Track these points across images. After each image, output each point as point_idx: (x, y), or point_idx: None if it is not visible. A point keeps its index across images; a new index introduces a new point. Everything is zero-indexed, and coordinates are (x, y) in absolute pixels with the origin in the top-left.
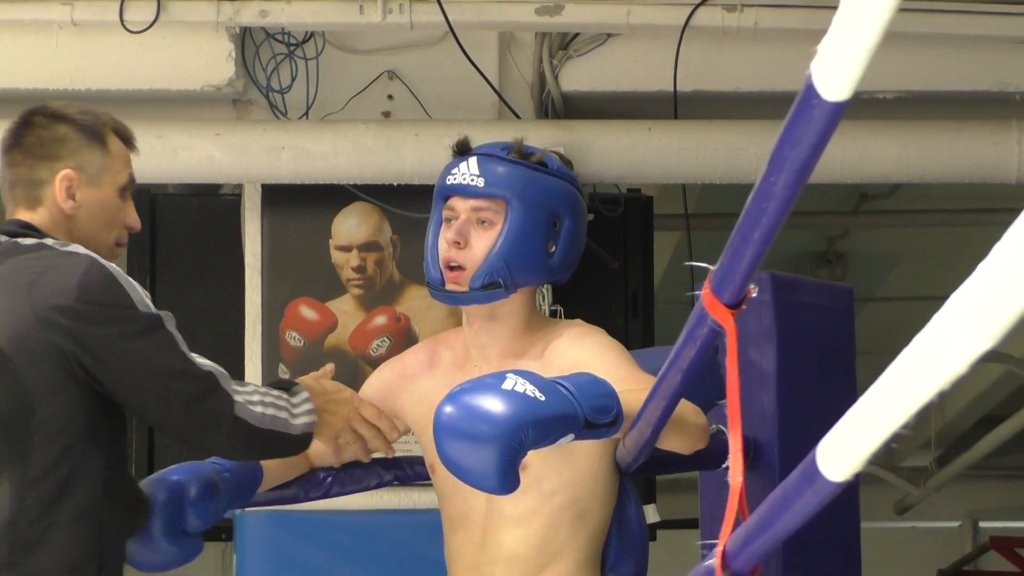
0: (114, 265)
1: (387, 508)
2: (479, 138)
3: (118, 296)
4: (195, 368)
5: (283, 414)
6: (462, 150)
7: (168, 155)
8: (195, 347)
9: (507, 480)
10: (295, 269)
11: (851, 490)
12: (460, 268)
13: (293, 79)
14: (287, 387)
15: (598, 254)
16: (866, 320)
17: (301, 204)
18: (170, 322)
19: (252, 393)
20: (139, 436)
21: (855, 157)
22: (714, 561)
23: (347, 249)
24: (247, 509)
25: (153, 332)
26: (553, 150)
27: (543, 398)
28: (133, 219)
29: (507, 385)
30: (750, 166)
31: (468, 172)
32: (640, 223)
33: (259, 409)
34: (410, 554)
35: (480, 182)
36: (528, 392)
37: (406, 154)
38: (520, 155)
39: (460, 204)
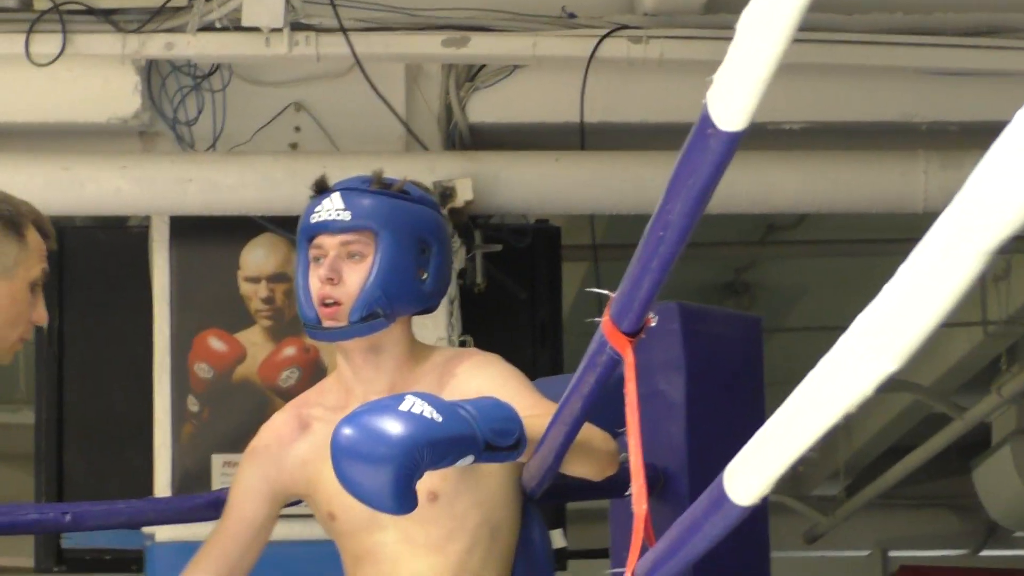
0: None
1: (301, 539)
2: (389, 169)
3: None
4: None
5: None
6: (321, 188)
7: (75, 187)
8: (104, 380)
9: (403, 500)
10: (204, 301)
11: (760, 518)
12: (336, 304)
13: (200, 111)
14: None
15: (506, 284)
16: (773, 350)
17: (209, 236)
18: None
19: None
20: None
21: (761, 188)
22: None
23: (256, 280)
24: (157, 540)
25: None
26: (445, 182)
27: (440, 419)
28: (40, 314)
29: (404, 406)
30: (657, 197)
31: (333, 207)
32: (548, 254)
33: None
34: None
35: (347, 215)
36: (425, 413)
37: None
38: (381, 185)
39: (328, 241)
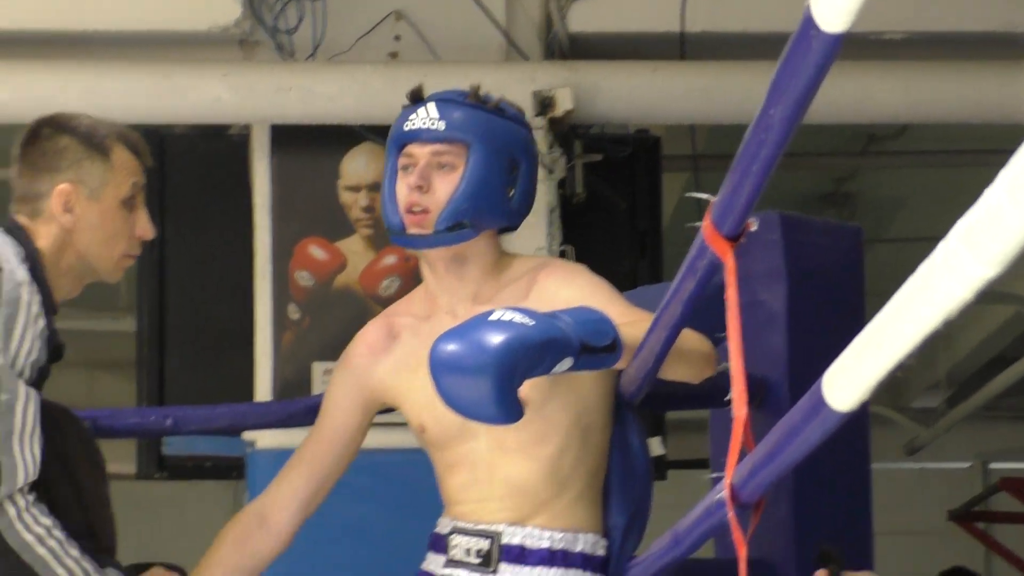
0: (21, 300)
1: (398, 447)
2: (488, 79)
3: None
4: None
5: (61, 569)
6: (417, 97)
7: (176, 96)
8: (206, 287)
9: (506, 409)
10: (304, 209)
11: (860, 428)
12: (424, 212)
13: (300, 20)
14: (120, 572)
15: (606, 194)
16: (873, 261)
17: (310, 144)
18: (13, 395)
19: (36, 522)
20: None
21: (863, 98)
22: (724, 493)
23: (356, 189)
24: (258, 447)
25: None
26: (545, 91)
27: (532, 323)
28: (144, 228)
29: (495, 316)
30: (757, 107)
31: (428, 117)
32: (648, 163)
33: (29, 537)
34: (419, 491)
35: (441, 125)
36: (516, 320)
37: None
38: (478, 100)
39: (419, 150)
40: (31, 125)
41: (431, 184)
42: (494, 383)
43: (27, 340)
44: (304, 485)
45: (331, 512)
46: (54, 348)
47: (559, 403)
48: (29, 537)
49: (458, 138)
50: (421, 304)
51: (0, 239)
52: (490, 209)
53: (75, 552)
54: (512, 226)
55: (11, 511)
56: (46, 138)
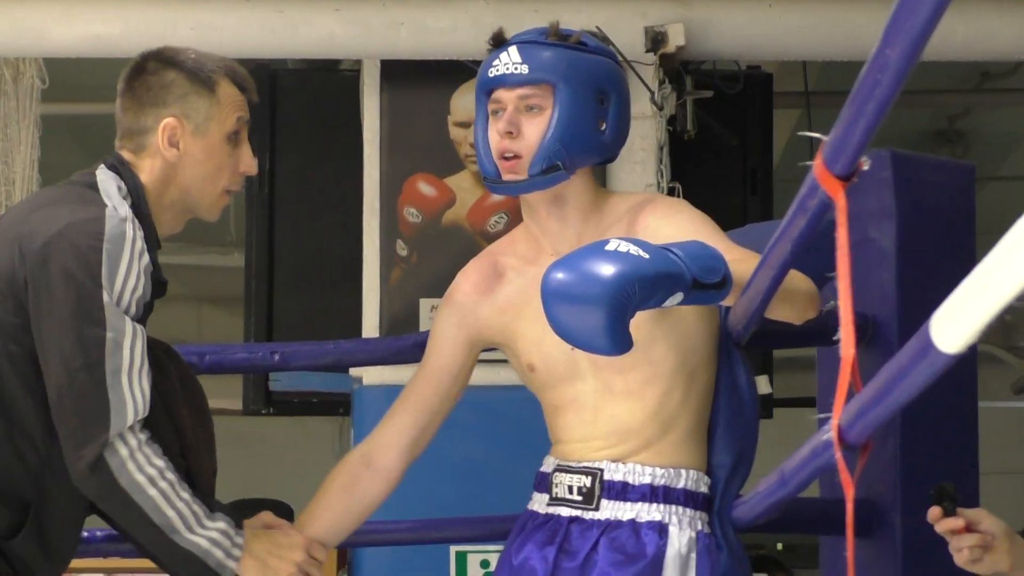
0: (126, 235)
1: (504, 384)
2: (599, 15)
3: (88, 267)
4: (95, 391)
5: (172, 512)
6: (499, 41)
7: (288, 30)
8: (314, 223)
9: (617, 339)
10: (414, 145)
11: (968, 367)
12: (516, 157)
13: None
14: (228, 516)
15: (717, 131)
16: (986, 199)
17: (420, 80)
18: (119, 332)
19: (147, 463)
20: None
21: (977, 34)
22: (831, 434)
23: (466, 125)
24: (365, 383)
25: (86, 325)
26: (656, 27)
27: (647, 256)
28: (247, 164)
29: (611, 247)
30: (870, 43)
31: (510, 61)
32: (759, 100)
33: (141, 478)
34: (526, 428)
35: (524, 69)
36: (632, 251)
37: (525, 28)
38: (558, 38)
39: (506, 95)
40: (136, 59)
41: (520, 129)
42: (607, 314)
43: (132, 276)
44: (411, 425)
45: (437, 450)
46: (158, 284)
47: (665, 345)
48: (141, 478)
49: (542, 79)
50: (525, 245)
51: (103, 175)
52: (582, 147)
53: (186, 495)
54: (609, 159)
55: (123, 451)
56: (152, 72)
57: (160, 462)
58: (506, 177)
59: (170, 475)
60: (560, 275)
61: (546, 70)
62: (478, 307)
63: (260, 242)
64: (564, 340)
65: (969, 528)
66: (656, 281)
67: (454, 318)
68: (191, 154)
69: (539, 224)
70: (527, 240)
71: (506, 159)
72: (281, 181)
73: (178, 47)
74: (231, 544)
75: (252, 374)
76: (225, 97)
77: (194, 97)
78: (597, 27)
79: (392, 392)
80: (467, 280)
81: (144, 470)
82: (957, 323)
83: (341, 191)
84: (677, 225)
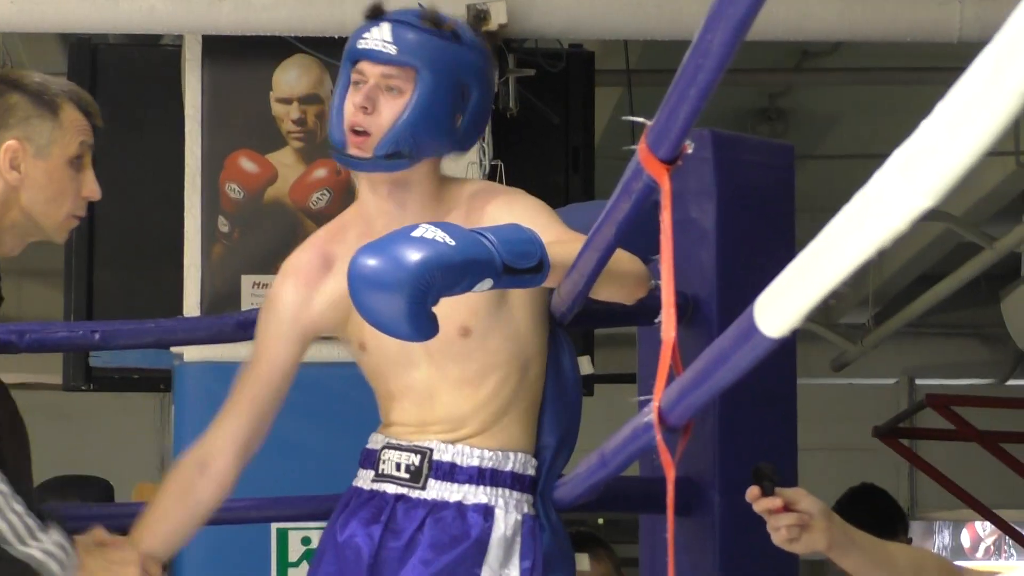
0: None
1: (328, 361)
2: None
3: None
4: None
5: (3, 524)
6: (375, 14)
7: (109, 4)
8: (135, 199)
9: (419, 325)
10: (235, 121)
11: (787, 346)
12: (365, 134)
13: None
14: (62, 531)
15: (539, 109)
16: (806, 177)
17: (242, 56)
18: None
19: None
20: None
21: (797, 14)
22: (651, 416)
23: (287, 102)
24: (185, 359)
25: None
26: (479, 5)
27: (452, 242)
28: (91, 190)
29: (416, 233)
30: (693, 23)
31: (380, 38)
32: (581, 79)
33: None
34: (350, 405)
35: (392, 49)
36: (436, 238)
37: (347, 7)
38: (433, 23)
39: (370, 69)
40: None
41: (376, 106)
42: (408, 300)
43: None
44: (243, 427)
45: None
46: None
47: (499, 336)
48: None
49: (407, 62)
50: (356, 230)
51: None
52: (433, 137)
53: (19, 507)
54: (461, 150)
55: None
56: None
57: (6, 496)
58: (351, 151)
59: (3, 487)
60: (364, 260)
61: (412, 54)
62: (308, 302)
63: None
64: (370, 324)
65: (787, 508)
66: (463, 267)
67: (284, 315)
68: (32, 177)
69: (377, 204)
70: (359, 224)
71: (356, 133)
72: (102, 155)
73: (22, 70)
74: (66, 556)
75: (72, 352)
76: (68, 121)
77: (37, 120)
78: (420, 4)
79: (214, 369)
80: (293, 275)
81: None
82: (781, 308)
83: (163, 167)
84: (517, 214)
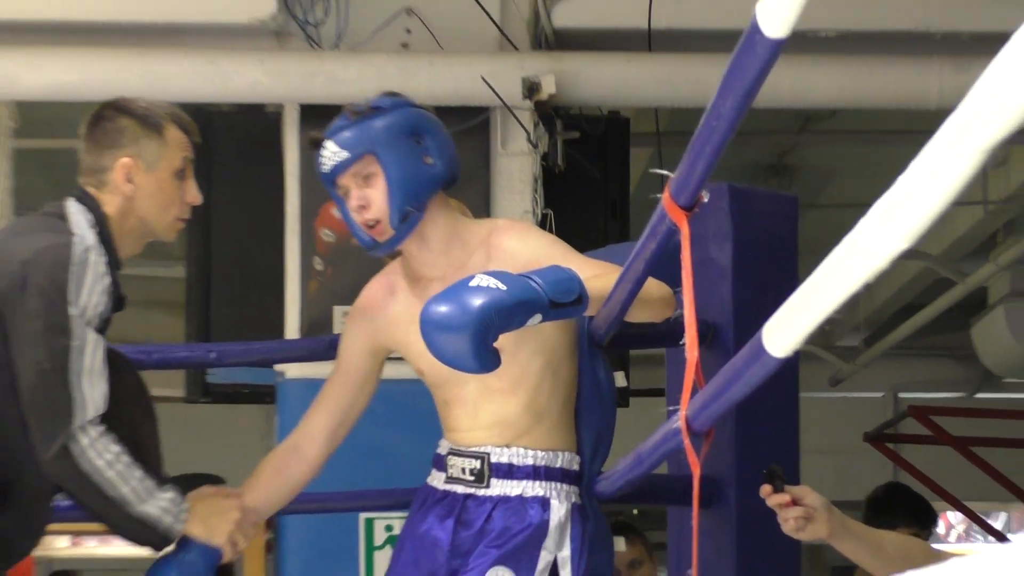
0: (88, 260)
1: (404, 378)
2: (484, 67)
3: (57, 286)
4: (61, 390)
5: (126, 488)
6: (316, 142)
7: (221, 79)
8: (244, 243)
9: (483, 360)
10: None
11: (791, 365)
12: (377, 222)
13: (326, 15)
14: (175, 488)
15: (583, 166)
16: (809, 224)
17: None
18: (83, 341)
19: (105, 450)
20: None
21: (801, 85)
22: (679, 423)
23: None
24: (287, 376)
25: (55, 334)
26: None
27: (505, 287)
28: (193, 196)
29: (474, 283)
30: (712, 93)
31: (331, 153)
32: (618, 140)
33: (100, 463)
34: (423, 414)
35: (344, 154)
36: (491, 285)
37: (421, 79)
38: (356, 115)
39: (343, 179)
40: (96, 108)
41: (368, 200)
42: (472, 340)
43: (95, 295)
44: (328, 421)
45: (354, 434)
46: (118, 299)
47: (529, 350)
48: (100, 462)
49: (361, 153)
50: (404, 268)
51: (73, 206)
52: (421, 186)
53: (138, 473)
54: (451, 182)
55: (84, 440)
56: (108, 119)
57: (116, 448)
58: (379, 240)
59: (124, 458)
60: (435, 308)
61: (361, 145)
62: (376, 321)
63: (199, 257)
64: (441, 362)
65: (794, 502)
66: (514, 308)
67: (358, 330)
68: (144, 188)
69: (416, 260)
70: (406, 265)
71: (370, 227)
72: (216, 206)
73: (131, 97)
74: (178, 510)
75: (192, 369)
76: (172, 139)
77: (145, 140)
78: (343, 105)
79: (311, 385)
80: (366, 298)
81: (103, 456)
82: (784, 332)
83: (267, 214)
84: (533, 247)
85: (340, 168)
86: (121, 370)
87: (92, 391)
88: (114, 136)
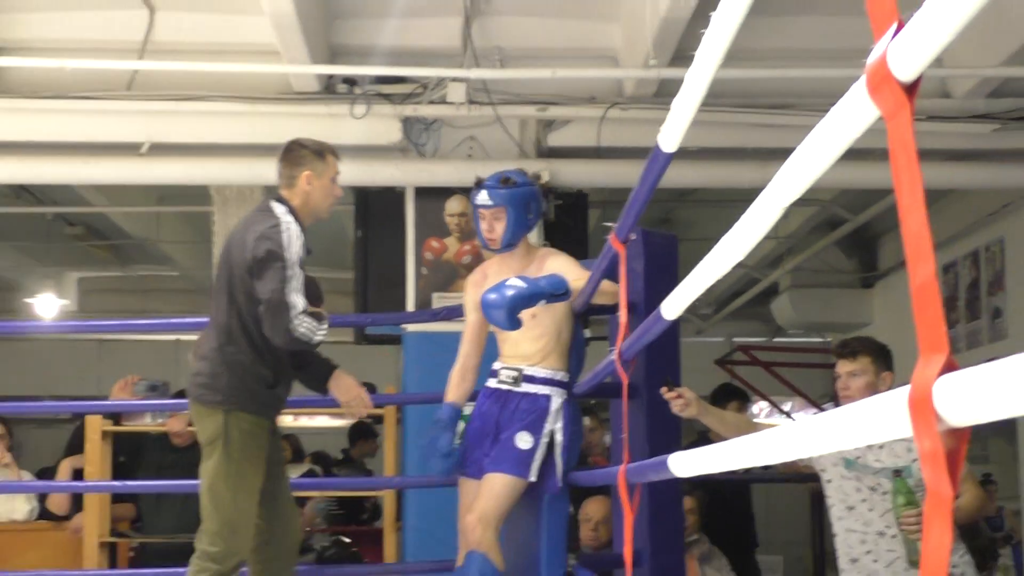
0: (291, 228)
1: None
2: (511, 165)
3: (275, 242)
4: (286, 297)
5: (310, 335)
6: (479, 183)
7: (371, 173)
8: (384, 260)
9: (512, 324)
10: (429, 224)
11: (675, 324)
12: (494, 239)
13: (427, 139)
14: (320, 316)
15: (564, 218)
16: (683, 249)
17: (432, 195)
18: (292, 272)
19: (303, 324)
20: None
21: (679, 175)
22: (614, 356)
23: (452, 215)
24: (408, 331)
25: (279, 267)
26: (536, 172)
27: (524, 286)
28: (339, 192)
29: (509, 282)
30: (637, 180)
31: (483, 197)
32: (582, 205)
33: (302, 330)
34: (492, 349)
35: (489, 202)
36: (517, 284)
37: (478, 173)
38: (503, 183)
39: (484, 212)
40: (287, 143)
41: (494, 230)
42: (505, 312)
43: (294, 247)
44: (473, 355)
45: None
46: (307, 251)
47: (548, 318)
48: (302, 329)
49: (498, 204)
50: (494, 267)
51: (276, 205)
52: (521, 231)
53: (317, 326)
54: (532, 228)
55: (295, 322)
56: (295, 150)
57: (314, 323)
58: (492, 247)
59: (311, 329)
60: (487, 295)
61: (500, 200)
62: (476, 292)
63: (361, 267)
64: (490, 323)
65: (679, 396)
66: (529, 297)
67: (468, 297)
68: (316, 189)
69: (503, 260)
70: (495, 265)
71: (491, 239)
72: (370, 240)
73: (304, 138)
74: (326, 327)
75: (358, 327)
76: (330, 161)
77: (316, 161)
78: (503, 171)
79: (422, 336)
80: (472, 279)
81: (310, 328)
82: (673, 306)
83: (396, 245)
84: (559, 264)
85: (484, 206)
86: (310, 285)
87: (298, 299)
88: (299, 159)
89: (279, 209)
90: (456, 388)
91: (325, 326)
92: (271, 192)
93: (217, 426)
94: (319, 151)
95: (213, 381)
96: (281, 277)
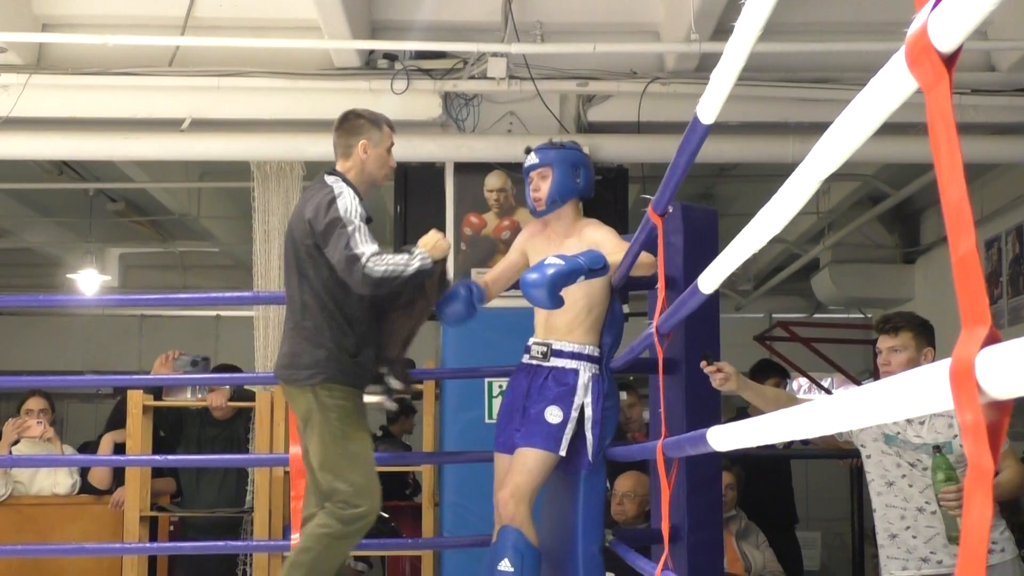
0: (344, 192)
1: (518, 307)
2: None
3: (332, 209)
4: (353, 250)
5: (399, 268)
6: (528, 150)
7: (412, 148)
8: (425, 232)
9: (553, 302)
10: (468, 199)
11: (714, 298)
12: (539, 200)
13: (467, 115)
14: (408, 250)
15: (604, 192)
16: (723, 225)
17: (472, 170)
18: (354, 227)
19: (379, 264)
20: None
21: (718, 150)
22: (653, 329)
23: (491, 190)
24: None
25: (342, 229)
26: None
27: (563, 263)
28: (393, 162)
29: (548, 261)
30: (673, 155)
31: (531, 158)
32: (622, 180)
33: (381, 269)
34: (528, 327)
35: (536, 160)
36: (556, 263)
37: (518, 149)
38: (552, 144)
39: (532, 173)
40: (343, 113)
41: (540, 188)
42: (546, 291)
43: (353, 209)
44: (501, 280)
45: (503, 337)
46: (368, 218)
47: (580, 293)
48: (380, 268)
49: (545, 164)
50: (540, 229)
51: (330, 177)
52: (567, 193)
53: (399, 258)
54: (584, 197)
55: (372, 264)
56: (351, 120)
57: (396, 257)
58: (538, 209)
59: (397, 263)
60: (528, 275)
61: (547, 160)
62: (526, 243)
63: (399, 242)
64: (531, 303)
65: (718, 370)
66: (569, 273)
67: (519, 241)
68: (372, 157)
69: (548, 224)
70: (540, 227)
71: (536, 202)
72: (409, 215)
73: (362, 108)
74: (421, 254)
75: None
76: (385, 132)
77: (372, 130)
78: (551, 139)
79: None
80: (527, 231)
81: (386, 266)
82: (710, 280)
83: (436, 220)
84: (599, 236)
85: (532, 167)
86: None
87: (365, 245)
88: (355, 127)
89: (331, 179)
90: (492, 278)
91: (419, 254)
92: (312, 168)
93: (308, 403)
94: (375, 120)
95: (295, 360)
96: (344, 236)
